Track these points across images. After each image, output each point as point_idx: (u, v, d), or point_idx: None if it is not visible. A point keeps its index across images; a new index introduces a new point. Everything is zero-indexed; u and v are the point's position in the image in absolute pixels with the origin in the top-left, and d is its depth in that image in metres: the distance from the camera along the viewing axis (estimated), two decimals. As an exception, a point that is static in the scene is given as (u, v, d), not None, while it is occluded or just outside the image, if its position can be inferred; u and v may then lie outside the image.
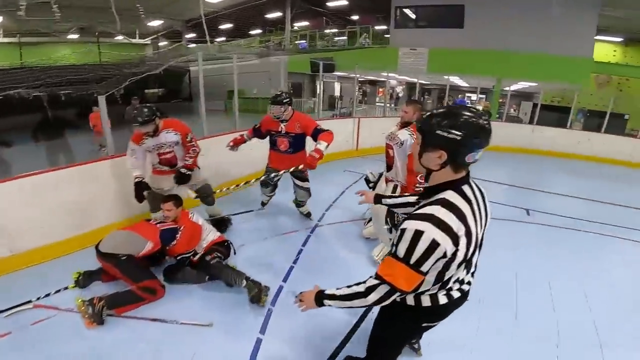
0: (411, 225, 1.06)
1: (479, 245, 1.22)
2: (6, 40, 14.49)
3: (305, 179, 3.80)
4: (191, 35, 18.22)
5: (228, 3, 14.41)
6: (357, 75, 7.90)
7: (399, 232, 1.10)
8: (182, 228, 2.70)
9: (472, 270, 1.32)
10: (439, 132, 1.08)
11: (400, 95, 20.43)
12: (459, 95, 17.81)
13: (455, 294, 1.29)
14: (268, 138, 3.73)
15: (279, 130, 3.55)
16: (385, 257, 1.16)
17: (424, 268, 1.07)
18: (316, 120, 3.77)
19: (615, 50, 13.87)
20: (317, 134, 3.35)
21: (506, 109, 10.34)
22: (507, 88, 10.72)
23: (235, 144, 3.72)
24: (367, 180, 3.71)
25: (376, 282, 1.15)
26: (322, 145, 3.22)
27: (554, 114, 10.79)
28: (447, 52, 11.02)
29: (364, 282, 1.19)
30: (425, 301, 1.28)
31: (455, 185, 1.14)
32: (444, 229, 1.04)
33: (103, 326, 2.24)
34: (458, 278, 1.25)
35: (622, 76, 13.24)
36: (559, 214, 4.65)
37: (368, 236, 3.59)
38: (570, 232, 4.16)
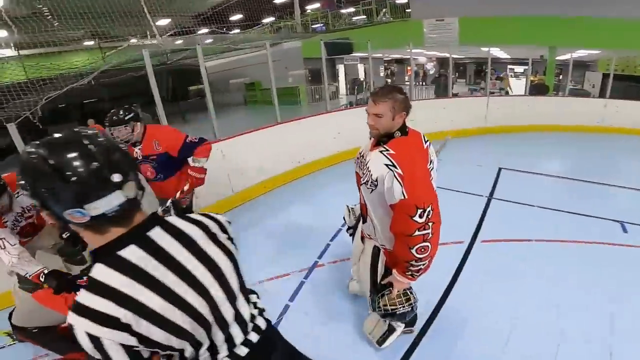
0: (69, 315, 0.75)
1: (231, 301, 0.95)
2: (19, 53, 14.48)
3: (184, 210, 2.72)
4: (204, 30, 17.57)
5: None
6: (371, 54, 6.66)
7: None
8: None
9: (244, 327, 1.01)
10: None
11: (431, 72, 18.54)
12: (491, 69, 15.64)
13: None
14: None
15: (135, 157, 2.67)
16: None
17: None
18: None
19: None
20: (190, 150, 2.67)
21: (568, 81, 8.58)
22: (564, 57, 8.95)
23: None
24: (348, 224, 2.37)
25: None
26: (200, 163, 2.69)
27: (624, 84, 8.88)
28: (481, 21, 9.38)
29: None
30: None
31: (109, 254, 0.78)
32: (98, 320, 0.73)
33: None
34: (216, 349, 0.93)
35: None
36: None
37: (354, 293, 2.47)
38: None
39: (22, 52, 14.14)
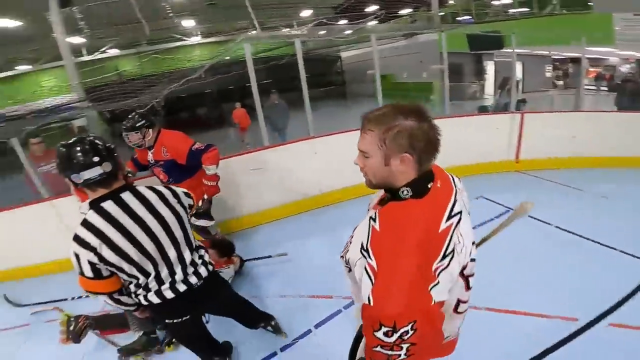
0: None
1: (175, 245, 1.51)
2: (206, 40, 17.60)
3: (201, 214, 2.76)
4: (343, 22, 18.03)
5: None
6: (515, 50, 5.48)
7: None
8: None
9: (184, 268, 1.54)
10: None
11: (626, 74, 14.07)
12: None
13: (168, 294, 1.49)
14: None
15: (149, 159, 2.87)
16: None
17: (89, 274, 1.34)
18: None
19: None
20: (196, 157, 2.65)
21: None
22: None
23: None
24: None
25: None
26: (211, 171, 2.69)
27: None
28: None
29: None
30: (144, 300, 1.50)
31: (96, 205, 1.36)
32: (80, 243, 1.31)
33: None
34: (162, 280, 1.48)
35: None
36: None
37: None
38: None
39: (203, 40, 17.42)
